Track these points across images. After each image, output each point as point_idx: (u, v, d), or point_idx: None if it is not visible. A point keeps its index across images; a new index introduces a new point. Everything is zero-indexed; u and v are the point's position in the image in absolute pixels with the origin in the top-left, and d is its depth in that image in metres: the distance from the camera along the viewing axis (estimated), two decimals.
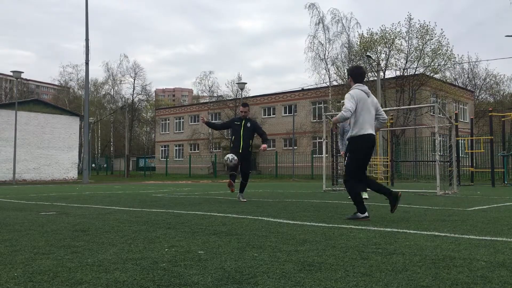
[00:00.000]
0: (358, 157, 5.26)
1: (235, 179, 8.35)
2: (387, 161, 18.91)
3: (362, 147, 5.22)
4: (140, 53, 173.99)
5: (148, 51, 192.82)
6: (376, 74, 30.18)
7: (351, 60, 35.67)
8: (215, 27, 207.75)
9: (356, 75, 5.48)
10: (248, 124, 8.41)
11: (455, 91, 36.89)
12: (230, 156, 8.10)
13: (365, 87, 5.41)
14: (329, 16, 45.91)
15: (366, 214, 5.07)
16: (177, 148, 54.21)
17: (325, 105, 40.18)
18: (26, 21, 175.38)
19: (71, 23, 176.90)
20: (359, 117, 5.20)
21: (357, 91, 5.33)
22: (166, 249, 3.20)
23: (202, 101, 61.40)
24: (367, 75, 34.68)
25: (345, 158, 8.69)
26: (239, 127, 8.35)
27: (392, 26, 38.17)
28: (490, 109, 23.67)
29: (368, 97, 5.35)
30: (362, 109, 5.22)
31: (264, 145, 8.52)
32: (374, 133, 5.29)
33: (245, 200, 8.27)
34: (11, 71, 24.90)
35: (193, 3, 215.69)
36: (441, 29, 52.88)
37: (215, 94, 49.43)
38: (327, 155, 13.23)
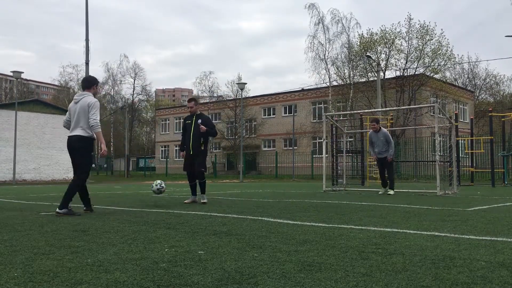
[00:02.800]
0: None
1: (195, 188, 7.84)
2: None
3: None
4: (140, 53, 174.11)
5: (149, 51, 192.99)
6: (376, 74, 30.18)
7: (351, 60, 35.68)
8: (215, 27, 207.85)
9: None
10: (199, 121, 7.74)
11: (455, 91, 36.90)
12: (157, 185, 7.61)
13: (77, 94, 6.13)
14: (329, 16, 45.91)
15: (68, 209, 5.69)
16: (177, 148, 54.19)
17: (325, 105, 40.17)
18: (27, 21, 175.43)
19: (72, 24, 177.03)
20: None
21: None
22: (166, 249, 3.20)
23: (202, 101, 61.40)
24: (367, 75, 34.74)
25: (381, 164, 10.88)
26: (190, 126, 7.75)
27: (392, 26, 38.13)
28: (490, 109, 23.66)
29: (76, 103, 5.97)
30: (69, 116, 6.03)
31: (203, 127, 7.65)
32: (75, 134, 5.86)
33: (206, 201, 7.62)
34: (11, 71, 24.91)
35: (194, 4, 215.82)
36: (441, 29, 52.94)
37: (215, 94, 49.44)
38: (327, 155, 13.22)
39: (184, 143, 7.85)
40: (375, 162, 11.48)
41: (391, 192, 10.58)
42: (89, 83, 6.13)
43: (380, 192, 10.77)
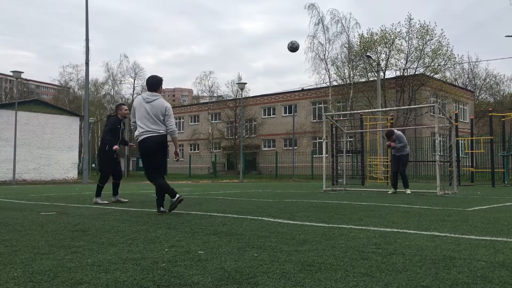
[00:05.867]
0: (142, 159, 5.89)
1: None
2: (387, 161, 18.92)
3: (140, 150, 5.84)
4: (142, 54, 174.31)
5: (150, 52, 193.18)
6: (376, 74, 30.18)
7: (351, 60, 35.68)
8: (216, 28, 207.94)
9: (147, 85, 6.00)
10: (123, 126, 8.01)
11: (455, 91, 36.89)
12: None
13: (146, 94, 5.88)
14: (329, 17, 45.91)
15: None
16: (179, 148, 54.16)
17: (325, 105, 40.17)
18: (28, 22, 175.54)
19: (74, 24, 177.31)
20: (137, 123, 5.80)
21: (136, 99, 5.91)
22: (166, 249, 3.20)
23: (202, 101, 61.43)
24: (367, 75, 34.75)
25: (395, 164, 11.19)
26: (119, 130, 7.89)
27: (392, 26, 38.17)
28: (490, 109, 23.67)
29: (147, 102, 5.77)
30: (139, 115, 5.79)
31: (132, 144, 8.06)
32: (151, 135, 5.73)
33: (126, 200, 8.07)
34: (11, 71, 24.90)
35: (195, 5, 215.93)
36: (441, 29, 53.05)
37: (215, 94, 49.45)
38: (327, 155, 13.22)
39: (112, 144, 7.80)
40: (375, 163, 11.51)
41: (408, 191, 10.85)
42: (158, 84, 5.93)
43: (389, 192, 10.94)
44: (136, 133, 5.83)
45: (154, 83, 5.92)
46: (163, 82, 6.06)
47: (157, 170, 5.92)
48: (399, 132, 11.33)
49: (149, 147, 5.77)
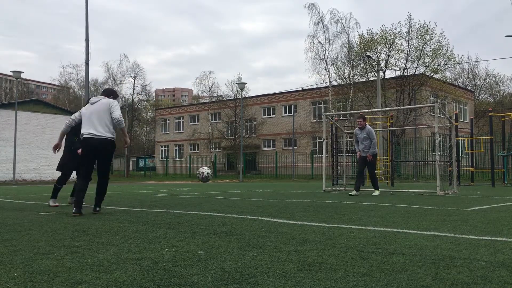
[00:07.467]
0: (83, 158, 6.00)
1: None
2: (387, 161, 18.92)
3: (84, 149, 5.90)
4: (142, 54, 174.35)
5: (151, 52, 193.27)
6: (376, 74, 30.17)
7: (351, 60, 35.67)
8: (217, 28, 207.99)
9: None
10: None
11: (455, 91, 36.87)
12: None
13: (94, 98, 6.10)
14: (329, 16, 45.85)
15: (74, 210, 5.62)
16: (177, 148, 54.21)
17: (325, 105, 40.16)
18: (28, 22, 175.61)
19: (74, 24, 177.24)
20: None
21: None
22: (166, 249, 3.20)
23: (202, 101, 61.43)
24: (367, 75, 34.74)
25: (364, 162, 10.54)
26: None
27: (392, 26, 38.19)
28: (490, 109, 23.66)
29: (92, 104, 5.97)
30: (84, 117, 5.93)
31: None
32: (96, 136, 5.79)
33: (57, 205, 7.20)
34: (11, 71, 24.90)
35: (195, 5, 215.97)
36: (441, 29, 53.02)
37: (215, 94, 49.43)
38: (327, 155, 13.22)
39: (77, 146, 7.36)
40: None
41: (376, 192, 10.26)
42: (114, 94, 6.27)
43: (351, 194, 10.10)
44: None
45: (109, 92, 6.22)
46: (117, 94, 6.37)
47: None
48: (370, 128, 10.54)
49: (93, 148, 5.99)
